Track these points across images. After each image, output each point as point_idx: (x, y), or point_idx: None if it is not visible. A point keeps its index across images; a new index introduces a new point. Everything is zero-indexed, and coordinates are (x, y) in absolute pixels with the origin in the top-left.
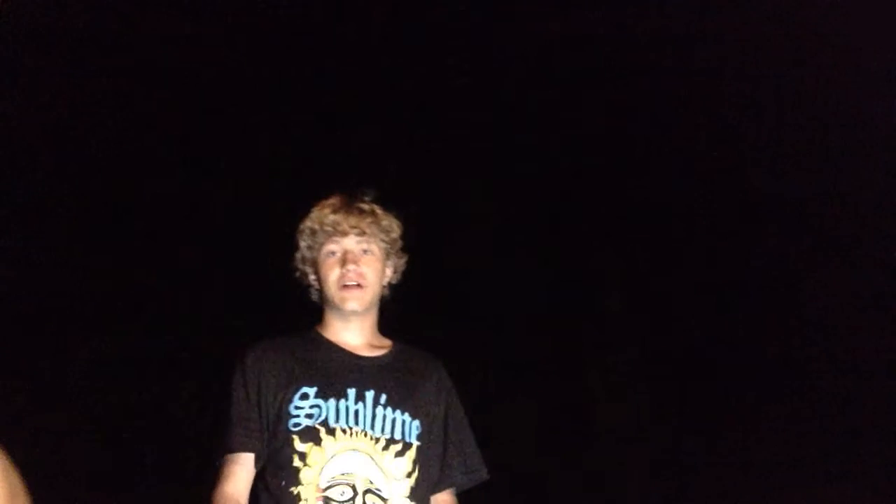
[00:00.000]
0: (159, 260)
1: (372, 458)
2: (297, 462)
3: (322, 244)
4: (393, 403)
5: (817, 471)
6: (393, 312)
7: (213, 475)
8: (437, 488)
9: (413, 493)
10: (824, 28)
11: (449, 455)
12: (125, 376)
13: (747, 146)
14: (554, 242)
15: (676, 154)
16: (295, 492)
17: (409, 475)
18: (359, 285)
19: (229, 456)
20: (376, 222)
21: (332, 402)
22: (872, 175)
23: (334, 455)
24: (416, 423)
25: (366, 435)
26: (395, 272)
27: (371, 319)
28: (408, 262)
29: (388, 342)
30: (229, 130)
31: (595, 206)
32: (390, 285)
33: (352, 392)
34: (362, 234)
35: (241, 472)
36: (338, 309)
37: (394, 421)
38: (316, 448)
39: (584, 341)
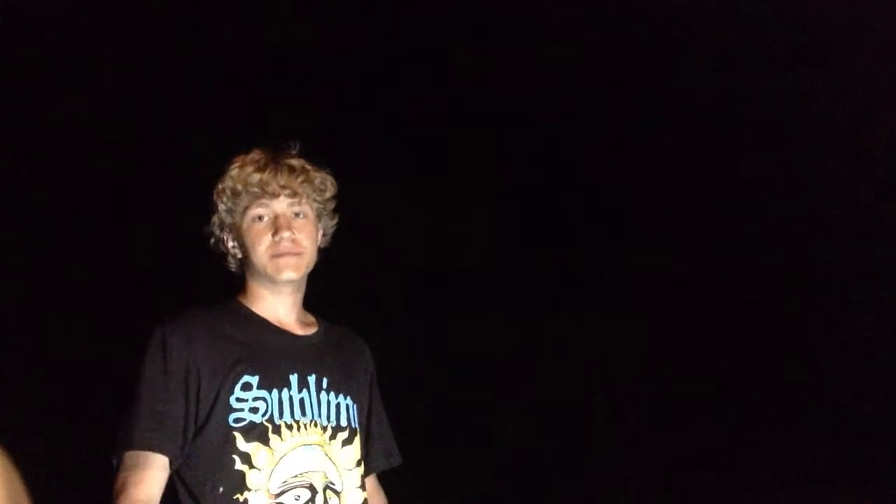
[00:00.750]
0: (159, 259)
1: (322, 449)
2: (240, 465)
3: (246, 208)
4: (334, 387)
5: (817, 471)
6: (395, 311)
7: (114, 474)
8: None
9: (362, 483)
10: (824, 27)
11: (373, 439)
12: (125, 376)
13: (747, 146)
14: (554, 242)
15: (677, 154)
16: (241, 499)
17: (358, 464)
18: (295, 252)
19: (137, 454)
20: (309, 181)
21: (275, 393)
22: (872, 175)
23: (284, 455)
24: (357, 406)
25: (315, 425)
26: (324, 235)
27: (303, 291)
28: (410, 260)
29: (312, 318)
30: (229, 130)
31: (595, 207)
32: (320, 250)
33: (294, 379)
34: (294, 195)
35: (154, 475)
36: (269, 279)
37: (338, 406)
38: (264, 448)
39: (584, 341)
